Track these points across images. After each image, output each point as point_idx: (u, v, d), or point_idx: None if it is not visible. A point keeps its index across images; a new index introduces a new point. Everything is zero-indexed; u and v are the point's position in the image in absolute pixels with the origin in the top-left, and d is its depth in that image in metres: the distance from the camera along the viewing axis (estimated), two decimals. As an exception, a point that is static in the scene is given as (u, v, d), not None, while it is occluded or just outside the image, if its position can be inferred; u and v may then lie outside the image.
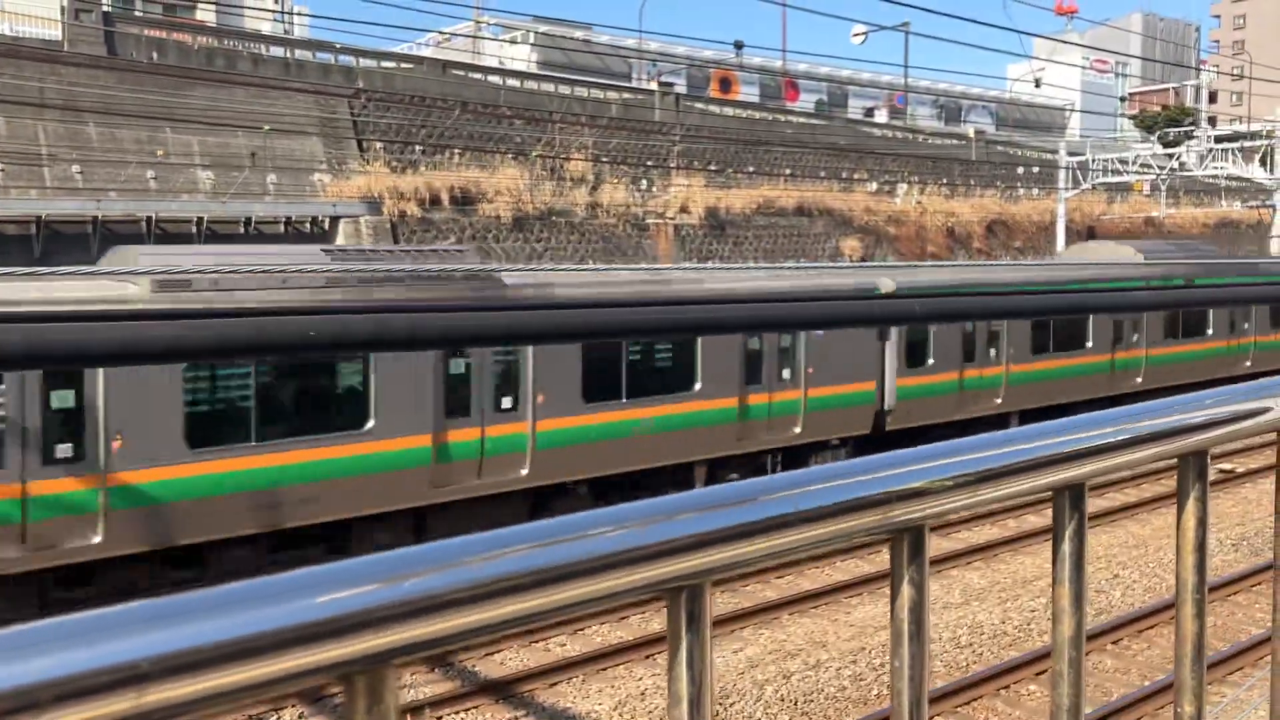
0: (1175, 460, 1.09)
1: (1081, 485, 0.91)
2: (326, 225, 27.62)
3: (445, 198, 29.44)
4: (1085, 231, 44.86)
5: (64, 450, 12.17)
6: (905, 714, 0.76)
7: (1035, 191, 45.61)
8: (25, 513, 11.88)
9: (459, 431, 14.66)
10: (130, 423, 12.37)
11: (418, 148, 30.39)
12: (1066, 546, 0.91)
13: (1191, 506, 1.06)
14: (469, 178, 30.09)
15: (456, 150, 30.94)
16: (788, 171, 38.94)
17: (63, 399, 12.26)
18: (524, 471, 15.27)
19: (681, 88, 47.72)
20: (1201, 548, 1.06)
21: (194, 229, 25.32)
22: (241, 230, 25.97)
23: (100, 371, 12.03)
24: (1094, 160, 42.13)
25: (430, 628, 0.51)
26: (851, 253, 37.67)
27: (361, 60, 32.17)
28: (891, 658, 0.78)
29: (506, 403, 15.16)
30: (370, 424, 13.97)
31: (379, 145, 30.04)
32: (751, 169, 37.74)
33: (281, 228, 26.84)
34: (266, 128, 27.67)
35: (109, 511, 12.26)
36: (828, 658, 11.27)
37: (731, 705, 10.26)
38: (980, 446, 0.80)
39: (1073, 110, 71.09)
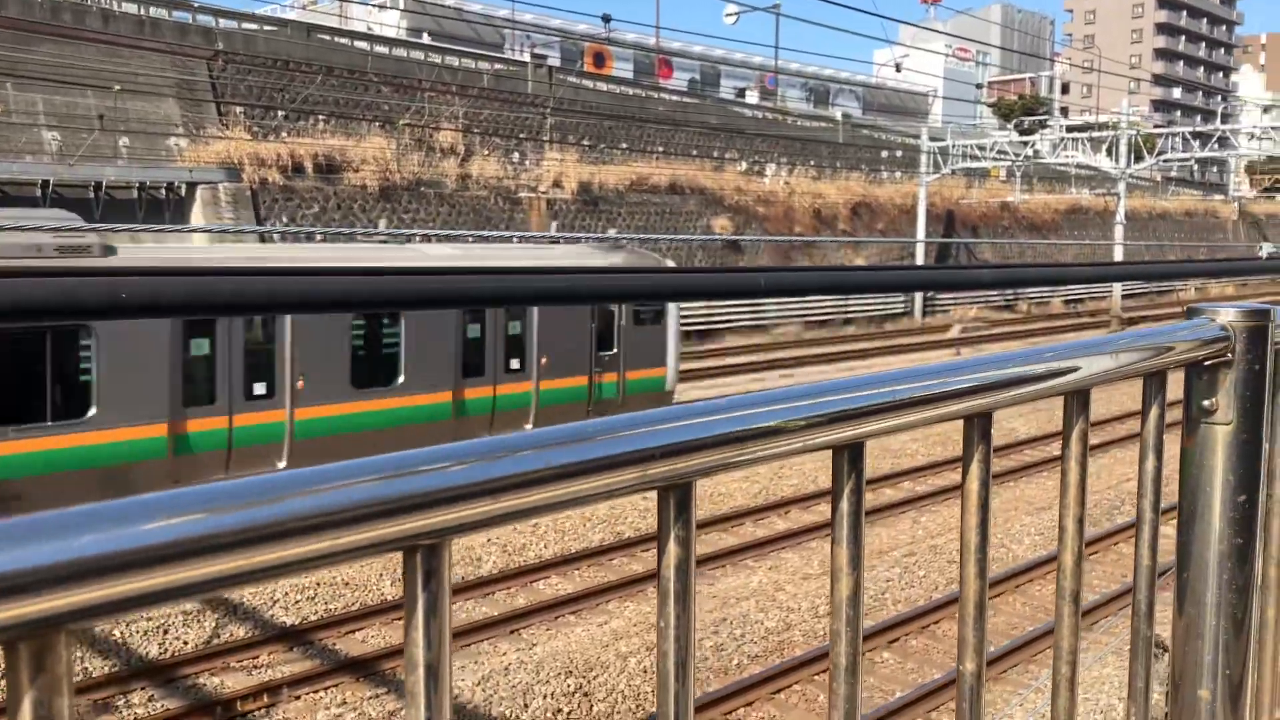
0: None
1: (860, 445, 0.91)
2: (183, 192, 26.53)
3: (309, 166, 28.58)
4: (944, 215, 46.35)
5: (260, 388, 14.41)
6: (670, 674, 0.75)
7: (898, 175, 46.89)
8: (230, 441, 14.12)
9: (475, 389, 16.54)
10: (310, 366, 14.75)
11: (280, 113, 29.39)
12: (844, 505, 0.91)
13: (975, 469, 1.08)
14: (334, 146, 29.28)
15: (321, 117, 30.05)
16: (660, 149, 39.10)
17: (258, 344, 14.59)
18: (528, 426, 16.45)
19: (555, 61, 47.37)
20: (984, 508, 1.08)
21: (39, 192, 24.00)
22: (91, 195, 24.73)
23: (288, 322, 14.30)
24: (954, 146, 43.52)
25: (109, 590, 0.46)
26: (722, 231, 38.10)
27: (221, 20, 30.89)
28: (658, 618, 0.77)
29: (515, 364, 17.05)
30: (401, 379, 15.84)
31: (239, 110, 28.94)
32: (625, 145, 37.75)
33: (135, 193, 25.66)
34: (117, 88, 26.35)
35: (293, 441, 14.55)
36: (690, 629, 11.43)
37: (595, 678, 10.31)
38: (752, 404, 0.79)
39: (935, 96, 73.29)
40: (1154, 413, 1.39)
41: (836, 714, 0.93)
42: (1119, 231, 42.05)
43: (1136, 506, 1.42)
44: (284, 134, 28.89)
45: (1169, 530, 1.42)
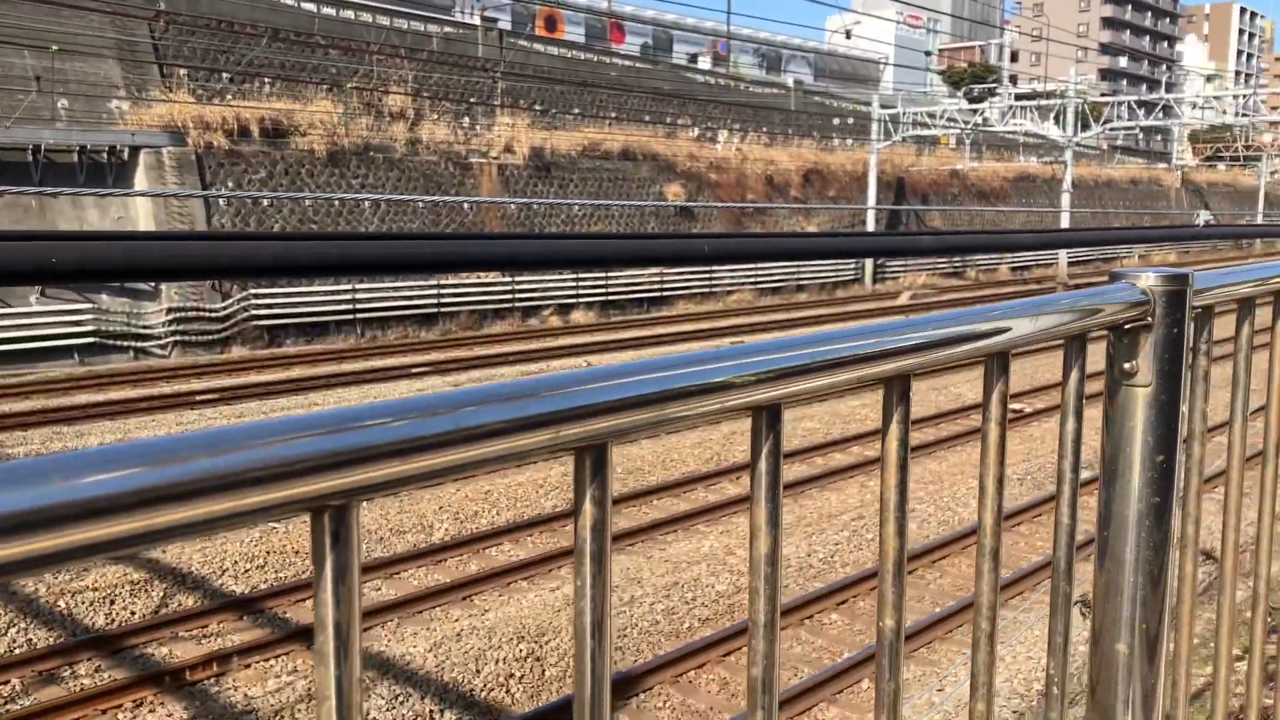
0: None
1: (777, 406, 0.93)
2: (125, 156, 25.97)
3: (255, 130, 28.08)
4: (895, 183, 46.62)
5: None
6: (587, 632, 0.76)
7: (850, 142, 47.03)
8: None
9: None
10: None
11: (225, 76, 28.81)
12: (763, 464, 0.93)
13: (894, 429, 1.10)
14: (280, 109, 28.77)
15: (267, 80, 29.51)
16: (613, 114, 38.88)
17: None
18: None
19: (506, 24, 46.81)
20: (903, 468, 1.11)
21: (-27, 156, 23.38)
22: (30, 159, 24.13)
23: None
24: (905, 113, 43.71)
25: (12, 550, 0.47)
26: (675, 197, 38.07)
27: (162, -20, 30.12)
28: (575, 577, 0.78)
29: None
30: None
31: (183, 72, 28.33)
32: (577, 110, 37.49)
33: (75, 157, 25.08)
34: (55, 48, 25.67)
35: None
36: (642, 593, 11.52)
37: (547, 643, 10.38)
38: (669, 366, 0.81)
39: (886, 64, 73.47)
40: (1074, 376, 1.43)
41: (755, 669, 0.95)
42: (1066, 199, 42.56)
43: (1057, 468, 1.46)
44: (229, 97, 28.33)
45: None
